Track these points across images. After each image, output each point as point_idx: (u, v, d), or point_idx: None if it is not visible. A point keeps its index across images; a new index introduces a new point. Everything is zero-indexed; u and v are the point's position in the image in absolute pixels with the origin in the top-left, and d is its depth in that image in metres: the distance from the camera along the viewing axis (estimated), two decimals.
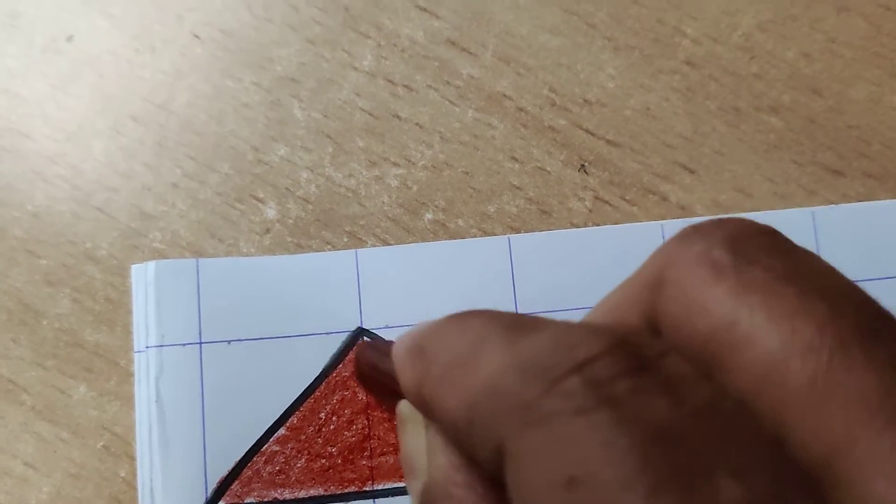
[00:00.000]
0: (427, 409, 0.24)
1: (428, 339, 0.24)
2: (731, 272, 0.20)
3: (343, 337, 0.34)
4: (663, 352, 0.20)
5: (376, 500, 0.33)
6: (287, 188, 0.35)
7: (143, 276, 0.34)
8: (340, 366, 0.33)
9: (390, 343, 0.26)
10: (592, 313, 0.25)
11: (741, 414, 0.19)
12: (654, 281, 0.22)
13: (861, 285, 0.34)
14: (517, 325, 0.21)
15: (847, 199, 0.36)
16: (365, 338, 0.34)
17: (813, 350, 0.18)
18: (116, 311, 0.34)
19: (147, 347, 0.33)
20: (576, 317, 0.33)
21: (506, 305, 0.34)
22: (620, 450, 0.17)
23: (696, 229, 0.22)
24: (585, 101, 0.36)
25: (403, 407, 0.27)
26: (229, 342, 0.33)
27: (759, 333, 0.19)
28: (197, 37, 0.36)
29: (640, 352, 0.20)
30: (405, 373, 0.24)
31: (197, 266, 0.34)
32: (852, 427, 0.17)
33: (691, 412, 0.18)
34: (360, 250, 0.34)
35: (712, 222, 0.22)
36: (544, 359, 0.20)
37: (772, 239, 0.21)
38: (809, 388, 0.18)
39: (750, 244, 0.21)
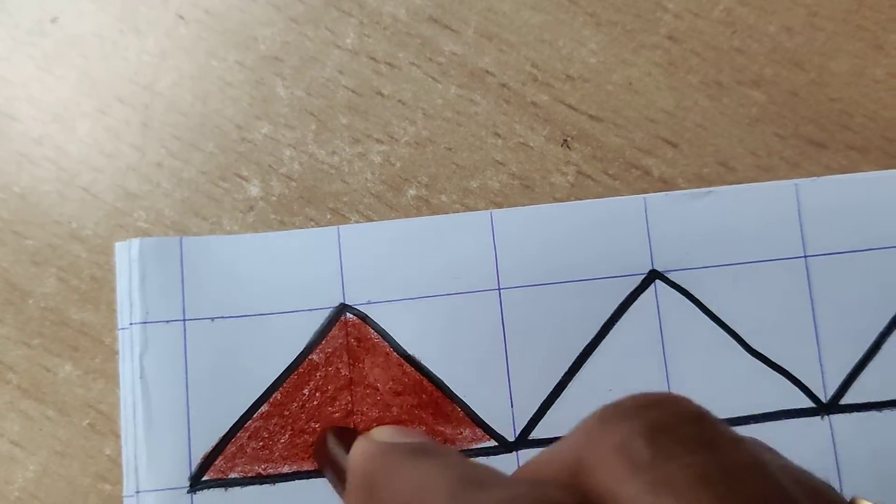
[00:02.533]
0: None
1: (381, 473, 0.24)
2: (648, 468, 0.19)
3: (326, 313, 0.34)
4: None
5: None
6: (270, 166, 0.36)
7: (126, 254, 0.34)
8: (324, 342, 0.33)
9: (355, 436, 0.27)
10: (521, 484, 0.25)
11: None
12: (573, 463, 0.21)
13: (845, 257, 0.34)
14: (466, 481, 0.21)
15: (830, 171, 0.36)
16: (348, 314, 0.34)
17: None
18: (102, 289, 0.35)
19: (131, 324, 0.33)
20: (558, 290, 0.34)
21: (488, 280, 0.34)
22: None
23: (618, 412, 0.21)
24: (568, 76, 0.36)
25: None
26: (213, 319, 0.33)
27: None
28: (181, 17, 0.37)
29: None
30: (354, 502, 0.25)
31: (181, 244, 0.34)
32: None
33: None
34: (342, 227, 0.34)
35: (636, 404, 0.21)
36: None
37: (698, 428, 0.20)
38: None
39: (672, 435, 0.19)
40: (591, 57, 0.37)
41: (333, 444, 0.31)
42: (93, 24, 0.37)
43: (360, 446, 0.25)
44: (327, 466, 0.32)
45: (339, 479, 0.29)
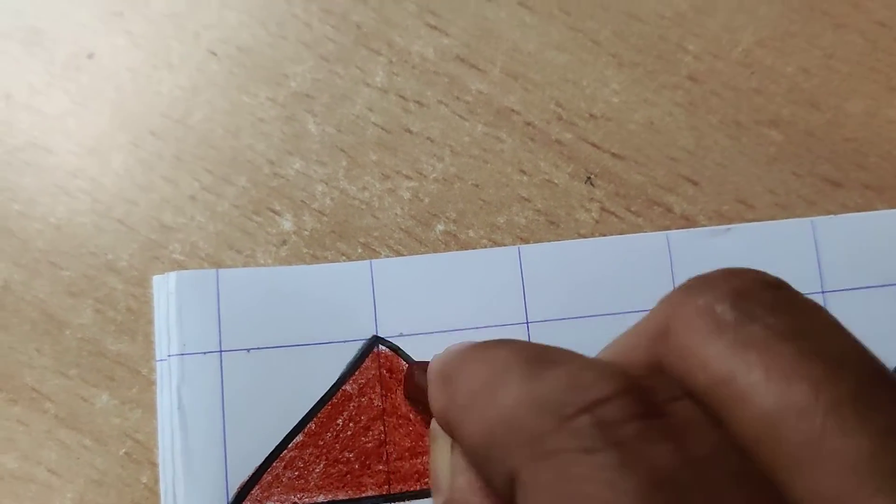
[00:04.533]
0: (451, 433, 0.25)
1: (454, 366, 0.25)
2: (731, 328, 0.20)
3: (359, 345, 0.35)
4: (675, 396, 0.20)
5: None
6: (303, 201, 0.36)
7: (164, 287, 0.35)
8: (357, 373, 0.34)
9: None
10: (605, 352, 0.26)
11: (742, 465, 0.19)
12: (658, 330, 0.22)
13: (862, 293, 0.36)
14: (537, 358, 0.22)
15: (846, 209, 0.37)
16: (381, 346, 0.35)
17: (807, 413, 0.18)
18: (137, 320, 0.35)
19: (169, 356, 0.34)
20: (585, 324, 0.35)
21: (517, 314, 0.35)
22: (622, 491, 0.18)
23: (702, 280, 0.22)
24: (591, 115, 0.38)
25: (434, 426, 0.28)
26: (249, 350, 0.34)
27: (756, 391, 0.19)
28: (214, 54, 0.38)
29: (651, 396, 0.20)
30: (434, 398, 0.26)
31: (217, 276, 0.35)
32: (843, 492, 0.18)
33: (694, 460, 0.19)
34: (374, 261, 0.35)
35: (720, 274, 0.22)
36: (558, 396, 0.20)
37: (776, 294, 0.21)
38: (803, 449, 0.18)
39: (754, 299, 0.21)
40: (614, 97, 0.38)
41: (418, 373, 0.32)
42: (127, 60, 0.37)
43: (435, 357, 0.27)
44: (415, 395, 0.33)
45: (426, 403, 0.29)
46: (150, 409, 0.35)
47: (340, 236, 0.36)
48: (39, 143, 0.37)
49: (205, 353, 0.34)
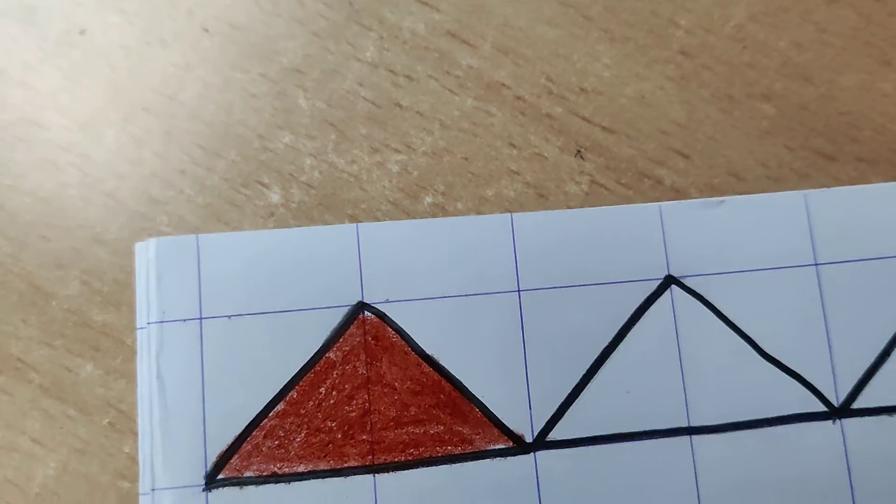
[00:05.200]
0: None
1: None
2: None
3: (343, 311, 0.34)
4: None
5: (376, 474, 0.33)
6: (291, 174, 0.36)
7: (145, 254, 0.34)
8: (341, 340, 0.34)
9: None
10: None
11: None
12: None
13: (855, 265, 0.35)
14: None
15: (839, 182, 0.37)
16: (366, 312, 0.34)
17: None
18: (123, 292, 0.35)
19: (148, 324, 0.34)
20: (577, 293, 0.34)
21: (508, 282, 0.34)
22: None
23: None
24: (582, 89, 0.37)
25: None
26: (230, 317, 0.34)
27: None
28: (206, 30, 0.38)
29: None
30: None
31: (197, 242, 0.34)
32: None
33: None
34: (361, 224, 0.35)
35: None
36: None
37: None
38: None
39: None
40: (605, 71, 0.38)
41: None
42: (120, 37, 0.38)
43: None
44: None
45: None
46: (133, 379, 0.34)
47: (328, 208, 0.36)
48: (32, 119, 0.37)
49: (184, 320, 0.34)
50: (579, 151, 0.37)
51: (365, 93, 0.37)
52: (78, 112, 0.37)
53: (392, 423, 0.33)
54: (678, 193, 0.36)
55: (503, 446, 0.34)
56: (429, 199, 0.36)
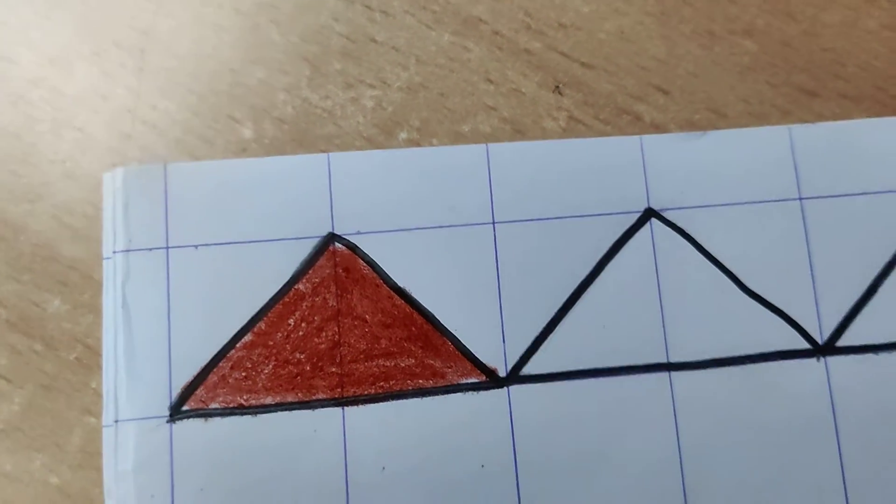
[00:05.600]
0: None
1: None
2: None
3: (314, 242, 0.33)
4: None
5: (345, 407, 0.32)
6: (264, 109, 0.36)
7: (111, 184, 0.34)
8: (311, 271, 0.33)
9: None
10: None
11: None
12: None
13: (840, 200, 0.34)
14: None
15: (822, 118, 0.36)
16: (337, 244, 0.33)
17: None
18: (92, 226, 0.35)
19: (114, 252, 0.33)
20: (554, 226, 0.34)
21: (482, 214, 0.34)
22: None
23: None
24: (560, 24, 0.37)
25: None
26: (196, 247, 0.33)
27: None
28: None
29: None
30: None
31: (165, 171, 0.34)
32: None
33: None
34: (332, 154, 0.34)
35: None
36: None
37: None
38: None
39: None
40: (584, 6, 0.37)
41: None
42: None
43: None
44: None
45: None
46: (101, 314, 0.34)
47: (301, 144, 0.35)
48: (2, 54, 0.36)
49: (150, 249, 0.33)
50: (557, 87, 0.36)
51: (340, 27, 0.37)
52: (49, 47, 0.36)
53: (362, 356, 0.33)
54: (657, 129, 0.35)
55: (476, 380, 0.33)
56: (403, 135, 0.35)
